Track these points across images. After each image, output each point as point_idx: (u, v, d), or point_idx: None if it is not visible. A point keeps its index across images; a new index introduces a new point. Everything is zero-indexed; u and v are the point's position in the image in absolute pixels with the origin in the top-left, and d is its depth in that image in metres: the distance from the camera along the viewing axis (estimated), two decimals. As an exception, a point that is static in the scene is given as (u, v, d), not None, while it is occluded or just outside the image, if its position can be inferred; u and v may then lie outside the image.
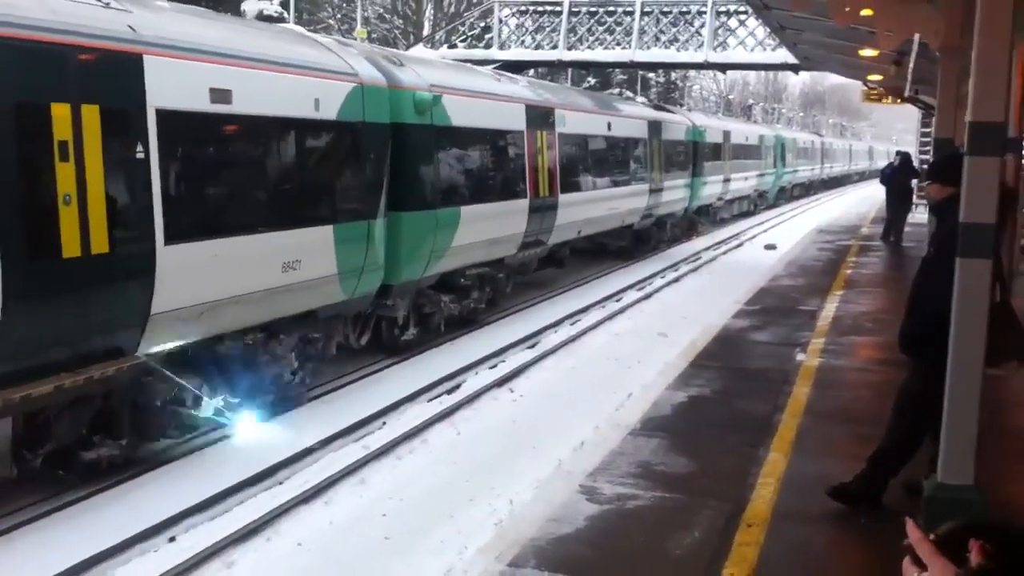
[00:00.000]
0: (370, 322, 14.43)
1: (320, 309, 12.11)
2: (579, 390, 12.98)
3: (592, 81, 59.30)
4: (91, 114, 8.26)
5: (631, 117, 26.81)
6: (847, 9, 10.46)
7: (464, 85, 16.50)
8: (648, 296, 21.24)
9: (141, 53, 8.88)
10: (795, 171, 56.68)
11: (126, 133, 8.81)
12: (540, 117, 19.11)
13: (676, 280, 23.95)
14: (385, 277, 13.45)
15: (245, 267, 10.34)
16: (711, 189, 35.48)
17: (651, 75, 70.23)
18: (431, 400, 12.62)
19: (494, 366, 14.52)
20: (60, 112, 7.99)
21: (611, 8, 34.90)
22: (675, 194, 30.23)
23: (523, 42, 35.73)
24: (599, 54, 35.05)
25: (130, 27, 8.89)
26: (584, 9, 35.24)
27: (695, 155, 32.77)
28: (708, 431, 9.48)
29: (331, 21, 51.97)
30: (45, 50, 7.95)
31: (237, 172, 10.87)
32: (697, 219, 35.24)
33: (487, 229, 16.54)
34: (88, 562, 7.71)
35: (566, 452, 10.06)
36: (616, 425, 9.73)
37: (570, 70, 49.73)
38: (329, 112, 11.88)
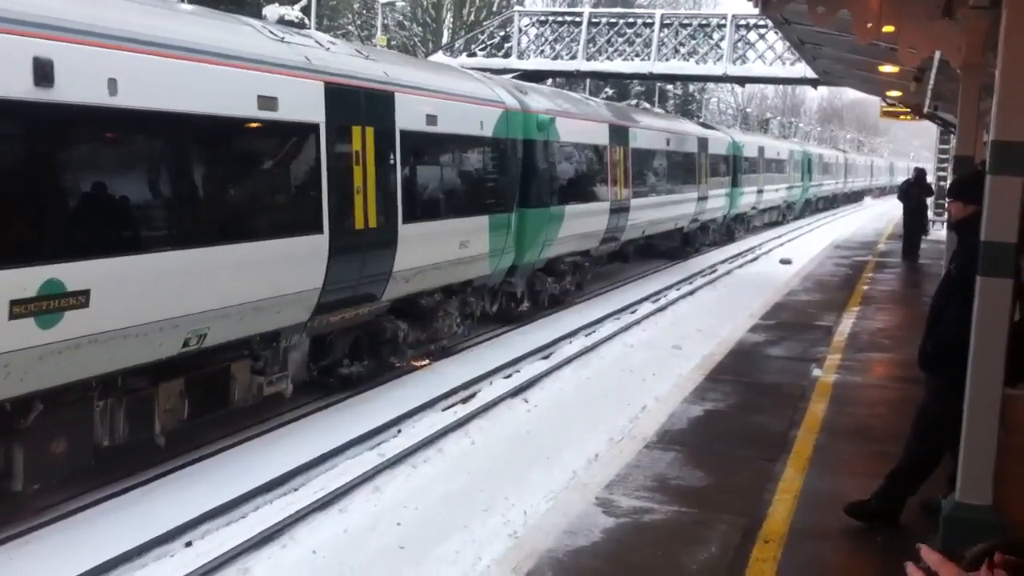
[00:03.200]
0: (497, 295, 18.11)
1: (476, 279, 16.09)
2: (594, 402, 12.98)
3: (610, 92, 59.35)
4: (369, 133, 12.26)
5: (685, 134, 30.64)
6: (869, 25, 10.43)
7: (567, 108, 20.61)
8: (663, 309, 21.24)
9: (393, 91, 12.92)
10: (820, 185, 60.41)
11: (385, 146, 12.71)
12: (618, 134, 23.05)
13: (691, 293, 23.93)
14: (513, 259, 17.33)
15: (441, 243, 14.29)
16: (747, 199, 39.14)
17: (669, 87, 70.27)
18: (446, 409, 12.65)
19: (509, 376, 14.54)
20: (356, 131, 12.00)
21: (631, 19, 34.97)
22: (718, 202, 34.00)
23: (542, 52, 35.76)
24: (618, 65, 35.07)
25: (385, 73, 12.99)
26: (604, 20, 35.29)
27: (734, 168, 36.52)
28: (724, 445, 9.46)
29: (351, 28, 52.14)
30: (349, 90, 11.86)
31: (439, 173, 14.94)
32: (734, 226, 38.96)
33: (581, 225, 20.32)
34: (106, 565, 7.76)
35: (581, 464, 10.08)
36: (631, 437, 9.72)
37: (588, 81, 49.80)
38: (488, 131, 16.01)
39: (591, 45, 34.77)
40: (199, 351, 9.82)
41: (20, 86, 7.53)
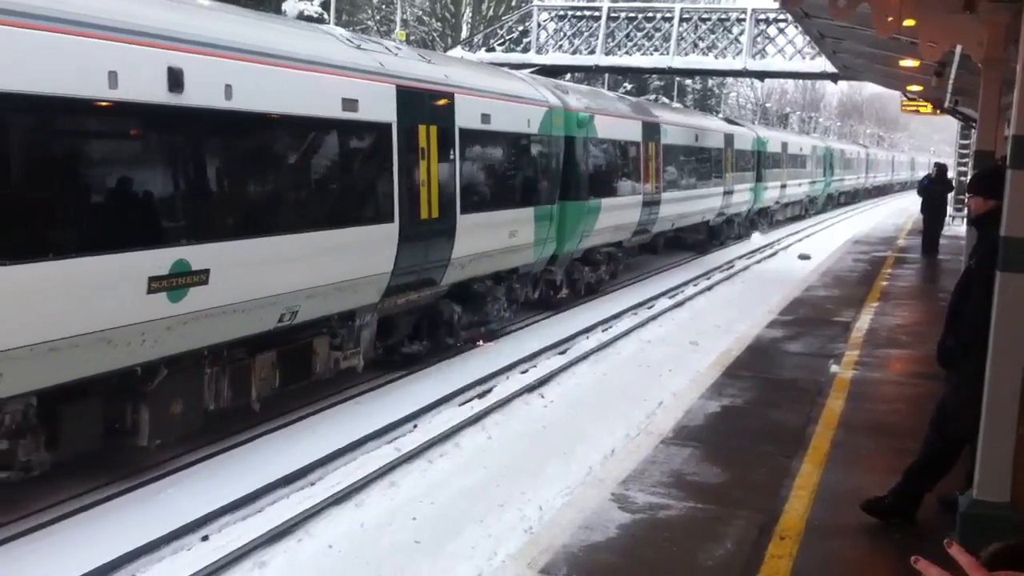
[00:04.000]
0: (539, 282, 19.24)
1: (521, 267, 17.24)
2: (610, 397, 12.97)
3: (628, 87, 59.22)
4: (433, 131, 13.34)
5: (712, 130, 31.57)
6: (889, 19, 10.35)
7: (604, 107, 21.87)
8: (680, 304, 21.18)
9: (453, 92, 14.08)
10: (842, 180, 61.15)
11: (446, 143, 13.82)
12: (650, 130, 24.10)
13: (709, 288, 23.86)
14: (555, 248, 18.49)
15: (493, 232, 15.37)
16: (771, 193, 40.10)
17: (688, 81, 70.07)
18: (462, 404, 12.65)
19: (525, 371, 14.54)
20: (422, 130, 13.08)
21: (650, 14, 34.87)
22: (743, 196, 34.87)
23: (561, 47, 35.73)
24: (637, 60, 35.01)
25: (446, 75, 14.18)
26: (623, 14, 35.23)
27: (758, 163, 37.20)
28: (741, 441, 9.43)
29: (370, 23, 52.19)
30: (416, 92, 13.02)
31: (492, 168, 15.96)
32: (758, 219, 39.76)
33: (616, 217, 21.40)
34: (123, 559, 7.80)
35: (597, 459, 10.06)
36: (648, 433, 9.70)
37: (607, 75, 49.70)
38: (534, 128, 17.16)
39: (610, 40, 34.72)
40: (290, 327, 11.01)
41: (157, 92, 8.64)
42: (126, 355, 8.66)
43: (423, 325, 14.70)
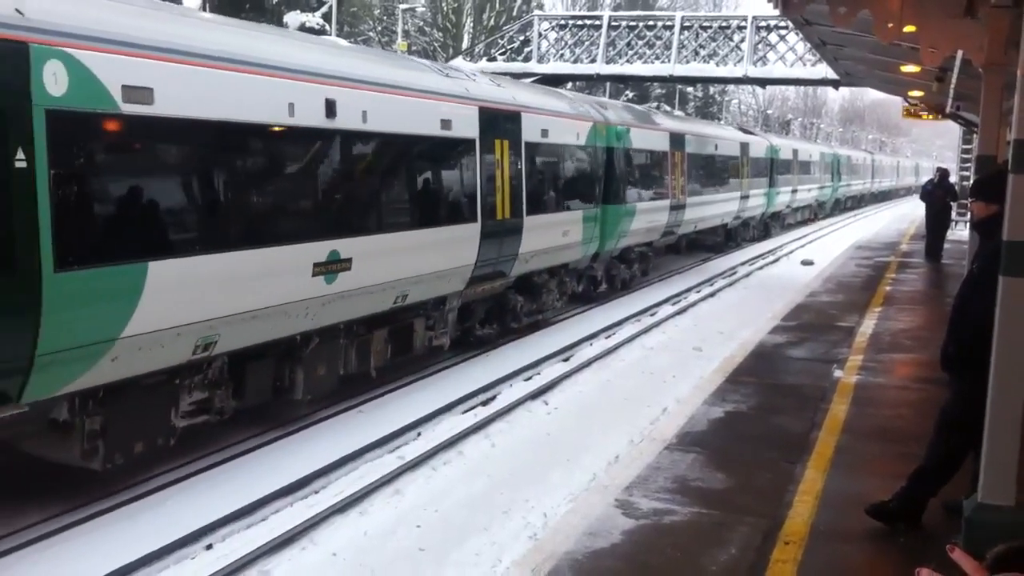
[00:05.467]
0: (582, 278, 21.36)
1: (570, 263, 19.49)
2: (613, 404, 12.96)
3: (630, 95, 59.27)
4: (505, 144, 15.75)
5: (730, 139, 33.74)
6: (890, 25, 10.36)
7: (637, 120, 24.11)
8: (683, 311, 21.17)
9: (520, 112, 16.53)
10: (849, 185, 63.55)
11: (515, 154, 16.16)
12: (676, 141, 26.26)
13: (712, 295, 23.86)
14: (597, 247, 20.64)
15: (551, 232, 17.65)
16: (783, 198, 42.37)
17: (689, 89, 70.12)
18: (466, 412, 12.66)
19: (529, 378, 14.54)
20: (497, 143, 15.52)
21: (651, 22, 34.93)
22: (757, 201, 37.00)
23: (562, 55, 35.78)
24: (638, 68, 35.05)
25: (513, 97, 16.70)
26: (623, 23, 35.29)
27: (771, 170, 39.21)
28: (745, 447, 9.42)
29: (372, 33, 52.28)
30: (493, 112, 15.43)
31: (549, 175, 18.40)
32: (770, 223, 42.07)
33: (648, 220, 23.63)
34: (127, 568, 7.79)
35: (601, 466, 10.06)
36: (652, 439, 9.70)
37: (608, 84, 49.74)
38: (581, 141, 19.57)
39: (611, 48, 34.76)
40: (400, 308, 13.30)
41: (319, 117, 10.97)
42: (294, 325, 10.92)
43: (494, 311, 16.99)
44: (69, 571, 7.69)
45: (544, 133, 17.50)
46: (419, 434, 11.66)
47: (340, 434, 11.48)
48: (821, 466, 8.64)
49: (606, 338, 17.88)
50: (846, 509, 7.51)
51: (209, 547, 8.33)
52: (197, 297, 9.21)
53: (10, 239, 7.42)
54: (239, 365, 10.55)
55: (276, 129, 10.48)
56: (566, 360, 15.91)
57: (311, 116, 10.78)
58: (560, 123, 18.50)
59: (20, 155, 7.41)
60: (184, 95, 9.04)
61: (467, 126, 14.57)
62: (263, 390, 11.11)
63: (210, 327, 9.46)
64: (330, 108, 11.08)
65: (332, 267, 11.13)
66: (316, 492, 9.67)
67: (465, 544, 8.26)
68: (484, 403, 13.06)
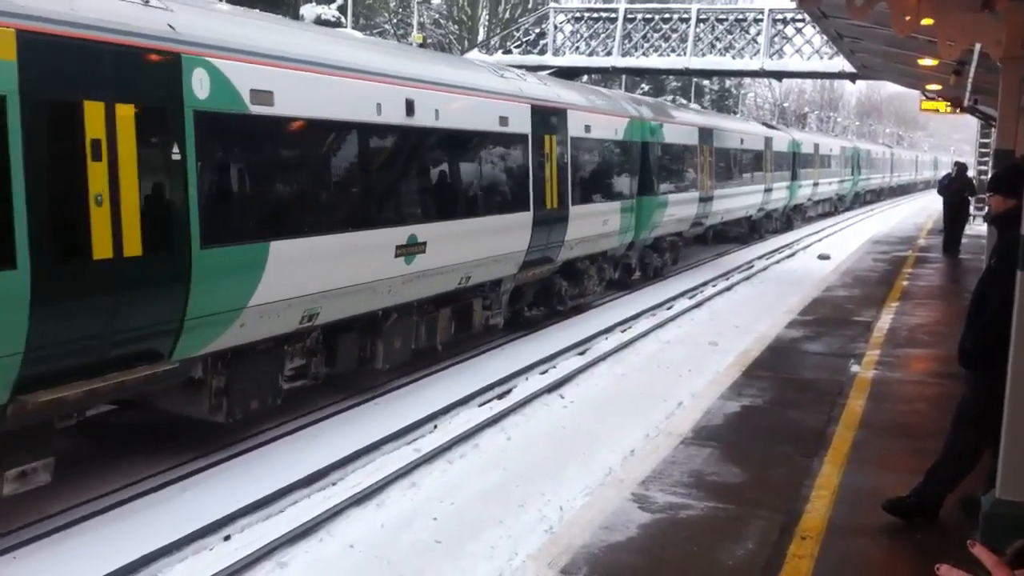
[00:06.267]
0: (617, 266, 22.46)
1: (609, 251, 20.70)
2: (629, 398, 12.96)
3: (646, 88, 59.14)
4: (553, 139, 16.98)
5: (754, 134, 34.70)
6: (907, 18, 10.32)
7: (670, 115, 25.21)
8: (699, 305, 21.14)
9: (566, 109, 17.82)
10: (868, 179, 64.45)
11: (562, 148, 17.43)
12: (705, 135, 27.22)
13: (728, 289, 23.81)
14: (633, 236, 21.76)
15: (592, 221, 18.82)
16: (804, 191, 43.37)
17: (705, 82, 69.91)
18: (481, 405, 12.68)
19: (544, 372, 14.55)
20: (546, 138, 16.76)
21: (666, 15, 34.80)
22: (780, 194, 38.05)
23: (577, 48, 35.71)
24: (654, 61, 34.94)
25: (559, 95, 17.91)
26: (639, 15, 35.18)
27: (793, 163, 40.18)
28: (761, 442, 9.42)
29: (387, 26, 52.28)
30: (543, 109, 16.71)
31: (592, 168, 19.41)
32: (792, 215, 42.99)
33: (679, 211, 24.70)
34: (146, 558, 7.85)
35: (617, 460, 10.06)
36: (667, 433, 9.71)
37: (623, 76, 49.63)
38: (620, 136, 20.82)
39: (626, 41, 34.67)
40: (463, 289, 14.60)
41: (401, 116, 12.31)
42: (379, 301, 12.22)
43: (541, 295, 18.28)
44: (86, 562, 7.73)
45: (587, 129, 18.62)
46: (435, 427, 11.70)
47: (357, 426, 11.53)
48: (838, 461, 8.64)
49: (622, 332, 17.88)
50: (863, 504, 7.51)
51: (227, 538, 8.39)
52: (306, 273, 10.53)
53: (168, 220, 8.77)
54: (331, 336, 11.84)
55: (368, 126, 11.81)
56: (582, 354, 15.92)
57: (394, 114, 12.17)
58: (601, 119, 19.60)
59: (175, 149, 8.76)
60: (297, 97, 10.40)
61: (521, 122, 15.84)
62: (350, 359, 12.36)
63: (314, 300, 10.78)
64: (409, 107, 12.44)
65: (411, 249, 12.49)
66: (333, 484, 9.71)
67: (481, 537, 8.28)
68: (500, 396, 13.08)
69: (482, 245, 14.51)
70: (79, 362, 8.05)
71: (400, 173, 12.82)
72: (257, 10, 12.44)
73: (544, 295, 18.38)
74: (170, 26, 8.78)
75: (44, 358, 7.67)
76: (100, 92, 8.00)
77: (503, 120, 15.24)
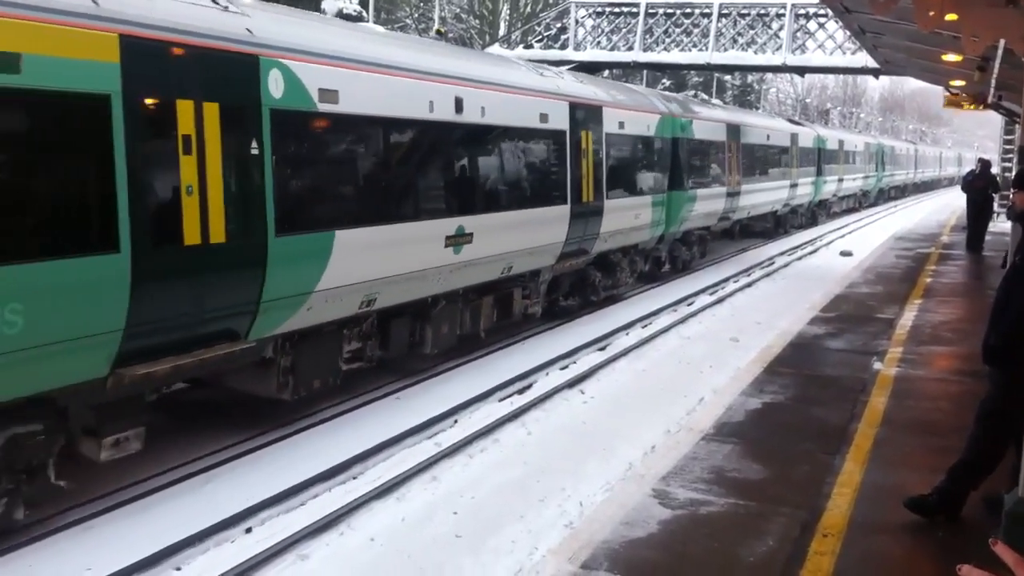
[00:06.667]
0: (647, 258, 22.95)
1: (640, 244, 21.36)
2: (650, 393, 12.95)
3: (666, 83, 58.98)
4: (589, 135, 17.46)
5: (780, 130, 34.98)
6: (931, 13, 10.24)
7: (699, 112, 25.50)
8: (720, 301, 21.09)
9: (601, 106, 18.30)
10: (892, 175, 64.67)
11: (597, 144, 17.90)
12: (733, 131, 27.83)
13: (749, 285, 23.74)
14: (663, 230, 22.38)
15: (625, 214, 19.40)
16: (829, 187, 43.60)
17: (727, 77, 69.66)
18: (502, 400, 12.68)
19: (565, 367, 14.55)
20: (583, 134, 17.21)
21: (688, 10, 34.71)
22: (805, 189, 38.43)
23: (599, 43, 35.66)
24: (675, 56, 34.88)
25: (595, 93, 18.45)
26: (661, 10, 35.09)
27: (819, 159, 40.51)
28: (782, 438, 9.39)
29: (408, 20, 52.31)
30: (580, 105, 17.32)
31: (625, 163, 20.07)
32: (817, 211, 43.32)
33: (707, 206, 25.24)
34: (168, 550, 7.89)
35: (637, 455, 10.06)
36: (688, 429, 9.69)
37: (645, 72, 49.51)
38: (652, 132, 21.34)
39: (648, 36, 34.59)
40: (504, 278, 15.26)
41: (450, 113, 12.92)
42: (429, 288, 12.90)
43: (575, 286, 18.86)
44: (108, 553, 7.79)
45: (621, 125, 19.20)
46: (456, 421, 11.71)
47: (378, 420, 11.56)
48: (860, 458, 8.60)
49: (642, 327, 17.86)
50: (885, 502, 7.48)
51: (248, 531, 8.43)
52: (366, 261, 11.17)
53: (248, 210, 9.38)
54: (385, 321, 12.50)
55: (421, 123, 12.45)
56: (602, 349, 15.91)
57: (445, 112, 12.77)
58: (634, 116, 20.17)
59: (254, 144, 9.41)
60: (359, 95, 10.98)
61: (560, 119, 16.43)
62: (402, 343, 13.02)
63: (373, 286, 11.45)
64: (458, 105, 13.06)
65: (459, 240, 13.12)
66: (354, 477, 9.74)
67: (501, 532, 8.29)
68: (520, 391, 13.09)
69: (523, 236, 15.13)
70: (169, 339, 8.71)
71: (449, 167, 13.42)
72: (287, 7, 12.59)
73: (579, 286, 18.96)
74: (248, 30, 9.47)
75: (140, 334, 8.28)
76: (190, 91, 8.66)
77: (543, 117, 15.82)
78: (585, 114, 17.47)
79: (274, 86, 9.60)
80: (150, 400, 9.47)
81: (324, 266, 10.42)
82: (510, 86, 14.91)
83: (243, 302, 9.42)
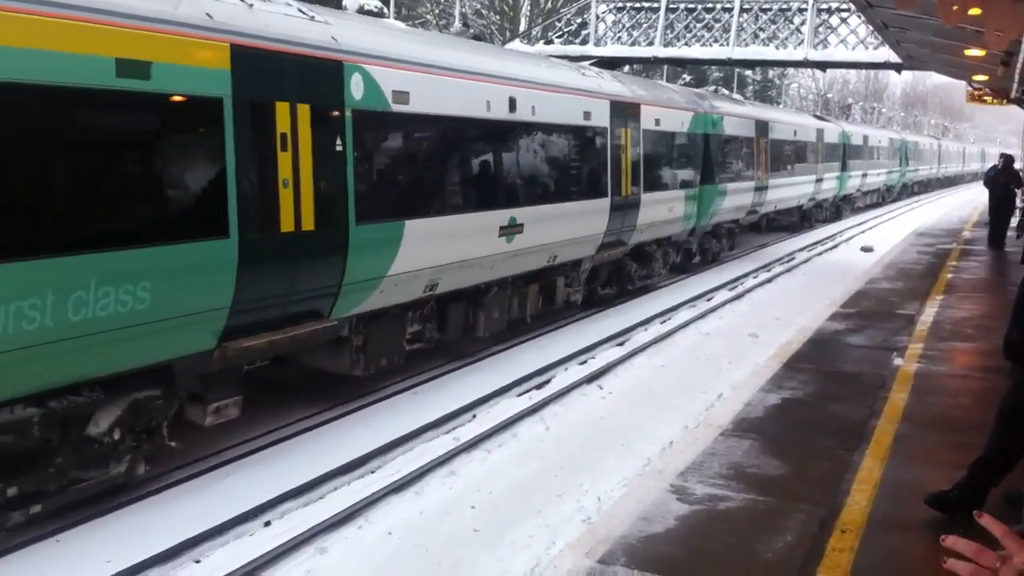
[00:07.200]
0: (679, 250, 23.81)
1: (673, 236, 22.26)
2: (668, 389, 12.92)
3: (687, 78, 58.81)
4: (628, 132, 18.47)
5: (806, 126, 35.88)
6: (955, 8, 10.18)
7: (729, 108, 26.33)
8: (739, 296, 21.02)
9: (639, 103, 19.21)
10: (916, 170, 65.25)
11: (635, 140, 18.85)
12: (761, 127, 28.70)
13: (769, 280, 23.66)
14: (695, 223, 23.28)
15: (660, 207, 20.27)
16: (854, 182, 44.36)
17: (748, 72, 69.41)
18: (520, 395, 12.68)
19: (584, 362, 14.54)
20: (622, 131, 18.20)
21: (709, 4, 34.55)
22: (830, 184, 39.28)
23: (619, 38, 35.54)
24: (696, 51, 34.70)
25: (633, 91, 19.47)
26: (682, 5, 34.93)
27: (843, 155, 41.30)
28: (801, 434, 9.35)
29: (429, 16, 52.33)
30: (621, 104, 18.24)
31: (661, 158, 20.81)
32: (842, 205, 44.16)
33: (736, 200, 26.16)
34: (187, 543, 7.94)
35: (655, 451, 10.04)
36: (707, 425, 9.67)
37: (666, 67, 49.37)
38: (685, 128, 22.14)
39: (669, 31, 34.48)
40: (549, 267, 16.14)
41: (505, 112, 13.93)
42: (483, 275, 13.90)
43: (614, 275, 19.81)
44: (129, 547, 7.84)
45: (657, 122, 20.13)
46: (474, 416, 11.73)
47: (397, 414, 11.59)
48: (879, 454, 8.56)
49: (661, 323, 17.82)
50: (904, 498, 7.44)
51: (267, 524, 8.46)
52: (431, 248, 12.09)
53: (333, 201, 10.28)
54: (443, 306, 13.45)
55: (479, 121, 13.41)
56: (621, 344, 15.89)
57: (500, 111, 13.75)
58: (669, 113, 21.13)
59: (338, 142, 10.34)
60: (427, 97, 11.93)
61: (601, 116, 17.34)
62: (458, 326, 14.00)
63: (435, 272, 12.38)
64: (512, 104, 14.03)
65: (511, 230, 14.07)
66: (373, 471, 9.77)
67: (519, 526, 8.30)
68: (539, 386, 13.09)
69: (568, 227, 16.05)
70: (265, 317, 9.63)
71: (503, 162, 14.30)
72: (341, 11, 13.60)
73: (616, 275, 19.89)
74: (333, 38, 10.42)
75: (243, 312, 9.20)
76: (286, 94, 9.63)
77: (586, 115, 16.72)
78: (624, 112, 18.29)
79: (355, 89, 10.55)
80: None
81: (395, 253, 11.35)
82: (556, 86, 15.81)
83: (328, 284, 10.35)
